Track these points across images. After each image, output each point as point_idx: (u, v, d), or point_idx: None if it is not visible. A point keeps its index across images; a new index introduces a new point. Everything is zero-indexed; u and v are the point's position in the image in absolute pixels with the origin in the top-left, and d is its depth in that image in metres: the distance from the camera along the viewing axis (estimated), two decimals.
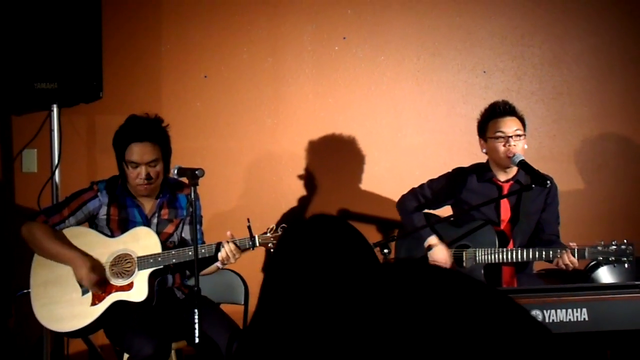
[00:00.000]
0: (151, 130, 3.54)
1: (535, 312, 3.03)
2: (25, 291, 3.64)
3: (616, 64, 4.73)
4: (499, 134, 3.79)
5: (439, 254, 3.83)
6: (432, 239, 3.85)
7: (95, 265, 3.54)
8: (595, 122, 4.73)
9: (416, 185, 4.03)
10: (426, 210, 4.03)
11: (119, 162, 3.60)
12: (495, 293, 1.06)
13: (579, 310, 3.05)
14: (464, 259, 3.83)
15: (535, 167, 3.72)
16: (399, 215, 4.07)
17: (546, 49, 4.71)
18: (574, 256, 3.61)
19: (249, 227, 3.43)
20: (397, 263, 1.07)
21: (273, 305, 1.52)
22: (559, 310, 3.04)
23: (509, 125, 3.80)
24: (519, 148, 3.77)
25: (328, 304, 1.14)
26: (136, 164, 3.51)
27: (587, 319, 3.05)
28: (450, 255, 3.84)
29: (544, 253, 3.68)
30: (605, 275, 3.98)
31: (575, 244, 3.63)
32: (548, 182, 3.65)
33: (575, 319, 3.05)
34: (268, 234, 3.45)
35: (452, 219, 3.91)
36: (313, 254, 1.57)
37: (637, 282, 3.22)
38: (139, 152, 3.51)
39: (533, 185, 3.64)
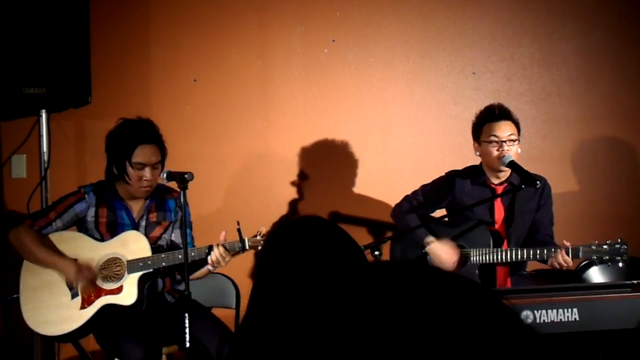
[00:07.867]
0: (155, 132, 3.58)
1: (526, 313, 3.03)
2: (15, 296, 3.63)
3: (604, 64, 4.74)
4: (492, 138, 3.78)
5: (440, 248, 3.77)
6: (430, 237, 3.80)
7: (84, 266, 3.52)
8: (585, 123, 4.74)
9: (407, 189, 4.01)
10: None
11: (113, 165, 3.57)
12: (483, 293, 1.05)
13: (569, 310, 3.05)
14: None
15: (526, 168, 3.71)
16: (394, 222, 4.03)
17: (535, 49, 4.71)
18: (568, 255, 3.60)
19: (239, 230, 3.42)
20: (383, 264, 1.07)
21: (262, 307, 1.51)
22: (549, 311, 3.04)
23: (504, 130, 3.78)
24: (513, 152, 3.76)
25: (316, 305, 1.14)
26: (142, 165, 3.52)
27: (577, 318, 3.05)
28: (454, 245, 3.77)
29: (538, 253, 3.67)
30: (596, 275, 3.98)
31: (569, 243, 3.62)
32: (538, 182, 3.64)
33: (566, 319, 3.05)
34: (258, 237, 3.44)
35: (446, 219, 3.89)
36: (299, 255, 1.56)
37: (627, 282, 3.22)
38: (146, 153, 3.52)
39: (523, 186, 3.63)
